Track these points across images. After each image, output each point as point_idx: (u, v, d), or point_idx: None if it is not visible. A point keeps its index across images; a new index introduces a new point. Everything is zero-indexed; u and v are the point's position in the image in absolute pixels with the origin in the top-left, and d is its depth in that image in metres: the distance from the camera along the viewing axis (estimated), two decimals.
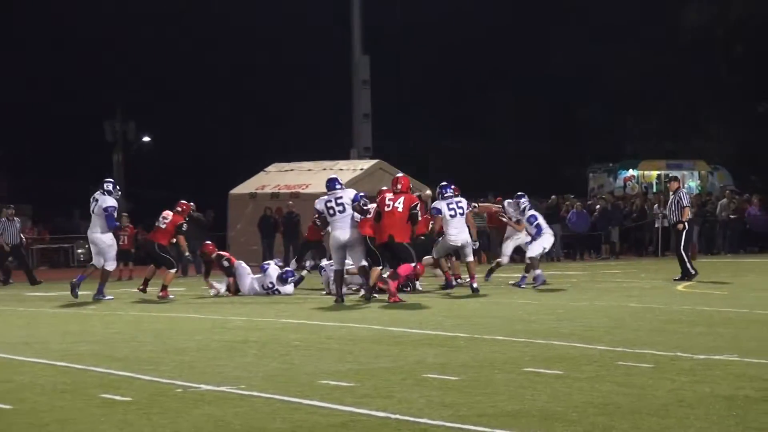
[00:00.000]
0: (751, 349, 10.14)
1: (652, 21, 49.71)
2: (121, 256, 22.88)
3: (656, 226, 32.32)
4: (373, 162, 31.38)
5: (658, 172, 42.16)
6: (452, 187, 18.87)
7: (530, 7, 52.08)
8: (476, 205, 22.52)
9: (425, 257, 19.13)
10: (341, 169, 29.23)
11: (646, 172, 42.40)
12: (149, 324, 14.19)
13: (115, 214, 18.94)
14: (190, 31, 51.72)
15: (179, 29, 51.48)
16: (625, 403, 7.58)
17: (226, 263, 19.73)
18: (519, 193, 20.15)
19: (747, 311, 13.99)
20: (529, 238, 19.48)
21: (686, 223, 20.74)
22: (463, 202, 18.53)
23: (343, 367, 9.58)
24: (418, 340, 11.53)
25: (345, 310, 15.69)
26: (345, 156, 36.21)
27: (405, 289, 18.01)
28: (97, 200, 18.78)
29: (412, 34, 51.84)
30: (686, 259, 20.58)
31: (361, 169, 30.14)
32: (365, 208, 17.14)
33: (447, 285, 19.02)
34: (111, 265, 19.03)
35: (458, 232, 18.21)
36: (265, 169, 32.70)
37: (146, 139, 51.79)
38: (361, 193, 17.62)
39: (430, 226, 19.00)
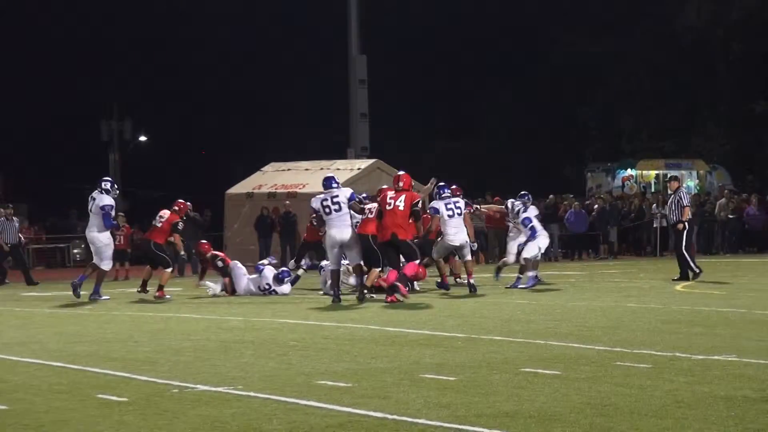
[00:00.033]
0: (750, 350, 10.13)
1: (651, 21, 49.71)
2: (117, 256, 22.84)
3: (655, 226, 32.31)
4: (370, 161, 31.33)
5: (657, 172, 42.15)
6: (453, 187, 18.89)
7: (529, 6, 52.10)
8: (479, 207, 22.52)
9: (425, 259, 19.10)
10: (338, 169, 29.17)
11: (644, 172, 42.38)
12: (146, 324, 14.15)
13: (113, 213, 18.91)
14: (186, 30, 51.70)
15: (174, 28, 51.46)
16: (624, 404, 7.56)
17: (220, 263, 19.69)
18: (522, 192, 20.16)
19: (745, 311, 13.98)
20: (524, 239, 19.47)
21: (686, 223, 20.73)
22: (461, 203, 18.54)
23: (341, 367, 9.55)
24: (415, 340, 11.51)
25: (342, 310, 15.66)
26: (342, 155, 36.17)
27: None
28: (94, 199, 18.77)
29: (411, 33, 51.86)
30: (689, 259, 20.55)
31: (359, 169, 30.09)
32: (362, 206, 17.14)
33: (442, 285, 18.97)
34: (107, 265, 18.98)
35: (456, 232, 18.24)
36: (262, 169, 32.65)
37: (142, 138, 51.77)
38: (363, 195, 17.56)
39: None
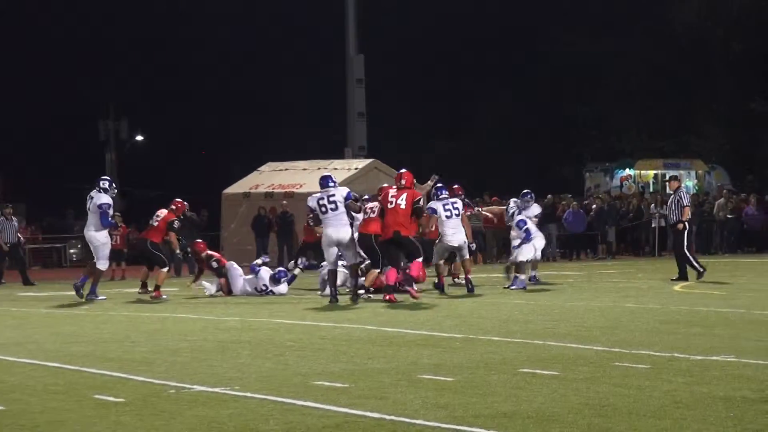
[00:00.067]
0: (749, 350, 10.11)
1: (650, 20, 49.72)
2: (114, 255, 22.80)
3: (653, 225, 32.30)
4: (367, 161, 31.30)
5: (655, 172, 42.16)
6: (455, 186, 18.86)
7: (529, 6, 52.10)
8: (480, 209, 22.51)
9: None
10: (336, 169, 29.13)
11: (642, 172, 42.39)
12: (142, 324, 14.13)
13: (110, 212, 18.87)
14: (186, 30, 51.71)
15: (174, 28, 51.46)
16: (622, 405, 7.54)
17: (215, 264, 19.65)
18: (525, 191, 20.10)
19: (744, 311, 13.96)
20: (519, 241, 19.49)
21: (686, 223, 20.70)
22: (459, 203, 18.52)
23: (338, 367, 9.53)
24: (413, 340, 11.49)
25: (339, 311, 15.63)
26: (340, 155, 36.15)
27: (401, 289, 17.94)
28: (92, 198, 18.75)
29: (411, 33, 51.85)
30: (690, 258, 20.53)
31: (356, 169, 30.06)
32: (360, 206, 17.13)
33: (438, 287, 18.91)
34: (103, 265, 18.95)
35: (455, 233, 18.21)
36: (259, 169, 32.62)
37: (139, 137, 51.74)
38: (366, 196, 17.52)
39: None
